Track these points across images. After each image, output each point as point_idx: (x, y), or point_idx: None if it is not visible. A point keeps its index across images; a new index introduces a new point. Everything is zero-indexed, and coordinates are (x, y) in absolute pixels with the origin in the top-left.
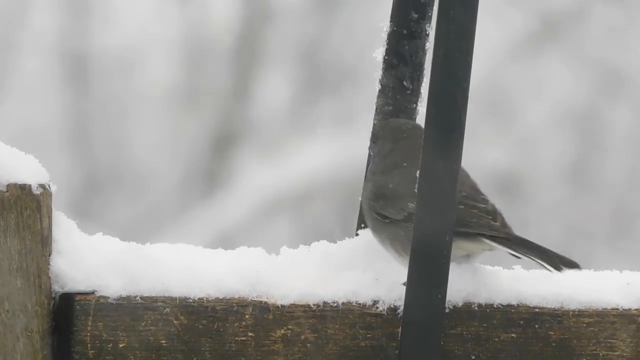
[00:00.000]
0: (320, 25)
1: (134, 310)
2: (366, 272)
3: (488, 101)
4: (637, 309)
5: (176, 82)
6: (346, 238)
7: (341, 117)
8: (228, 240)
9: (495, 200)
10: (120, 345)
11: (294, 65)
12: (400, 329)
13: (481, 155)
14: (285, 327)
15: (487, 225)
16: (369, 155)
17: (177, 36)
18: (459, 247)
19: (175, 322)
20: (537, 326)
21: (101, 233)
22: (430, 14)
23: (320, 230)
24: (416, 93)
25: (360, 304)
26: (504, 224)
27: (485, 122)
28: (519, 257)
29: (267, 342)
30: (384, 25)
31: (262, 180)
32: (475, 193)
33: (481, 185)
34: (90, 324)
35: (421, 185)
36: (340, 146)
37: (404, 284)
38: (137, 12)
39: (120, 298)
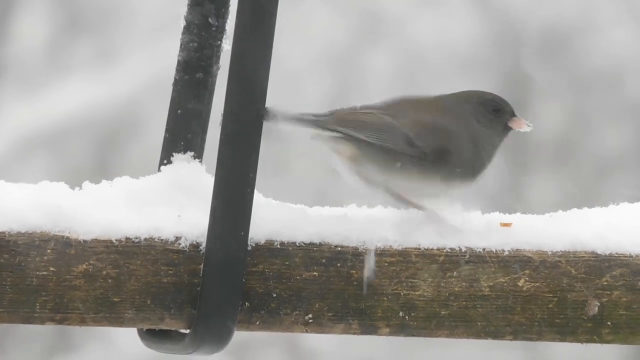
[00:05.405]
0: None
1: None
2: (169, 209)
3: None
4: (438, 249)
5: None
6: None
7: (100, 56)
8: None
9: None
10: None
11: (52, 2)
12: (202, 266)
13: None
14: (87, 263)
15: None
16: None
17: None
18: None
19: None
20: (339, 265)
21: None
22: None
23: (79, 168)
24: (221, 30)
25: (162, 240)
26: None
27: None
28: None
29: (68, 277)
30: None
31: (19, 118)
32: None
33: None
34: None
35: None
36: (98, 85)
37: None
38: None
39: None
